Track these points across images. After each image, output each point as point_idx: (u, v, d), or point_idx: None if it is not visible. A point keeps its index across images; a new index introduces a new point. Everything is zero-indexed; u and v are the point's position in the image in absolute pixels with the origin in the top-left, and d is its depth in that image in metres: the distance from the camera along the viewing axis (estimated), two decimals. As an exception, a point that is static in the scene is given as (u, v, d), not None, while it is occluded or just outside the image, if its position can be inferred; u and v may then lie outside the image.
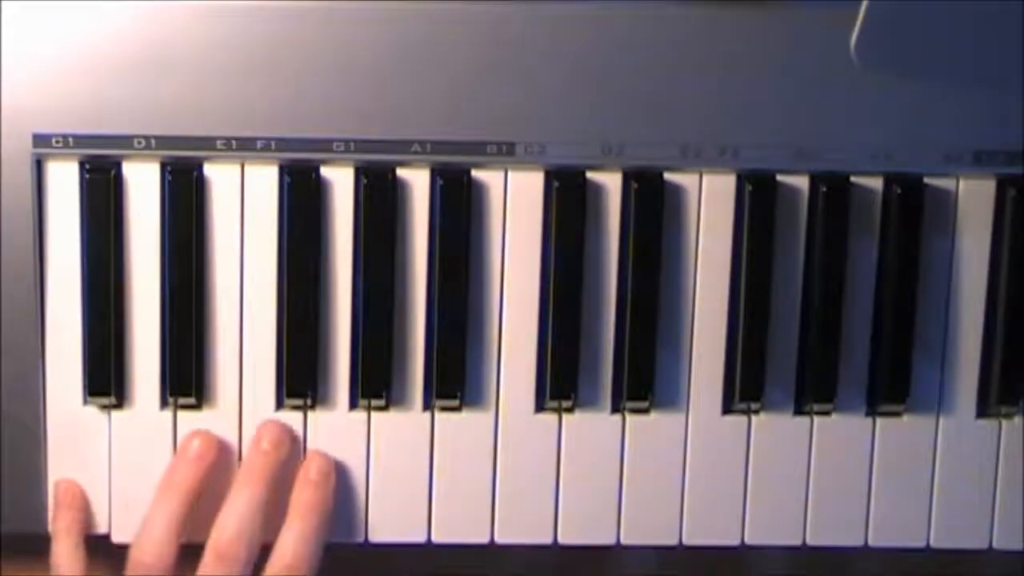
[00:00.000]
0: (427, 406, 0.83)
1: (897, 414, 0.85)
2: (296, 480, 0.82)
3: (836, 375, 0.84)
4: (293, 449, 0.83)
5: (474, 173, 0.82)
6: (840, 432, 0.85)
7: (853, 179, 0.82)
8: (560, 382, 0.83)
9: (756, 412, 0.84)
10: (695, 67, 0.80)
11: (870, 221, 0.83)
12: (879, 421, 0.85)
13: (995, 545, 0.86)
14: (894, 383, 0.84)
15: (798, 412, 0.85)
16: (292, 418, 0.83)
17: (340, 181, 0.81)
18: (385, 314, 0.82)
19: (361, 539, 0.84)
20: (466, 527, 0.84)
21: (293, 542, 0.81)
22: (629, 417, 0.84)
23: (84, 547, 0.82)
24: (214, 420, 0.82)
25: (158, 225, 0.81)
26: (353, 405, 0.83)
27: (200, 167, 0.81)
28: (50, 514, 0.82)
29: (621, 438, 0.84)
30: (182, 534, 0.80)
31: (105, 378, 0.81)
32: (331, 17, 0.79)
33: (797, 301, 0.83)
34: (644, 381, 0.83)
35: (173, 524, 0.80)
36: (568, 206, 0.82)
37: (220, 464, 0.82)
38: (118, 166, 0.80)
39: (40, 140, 0.79)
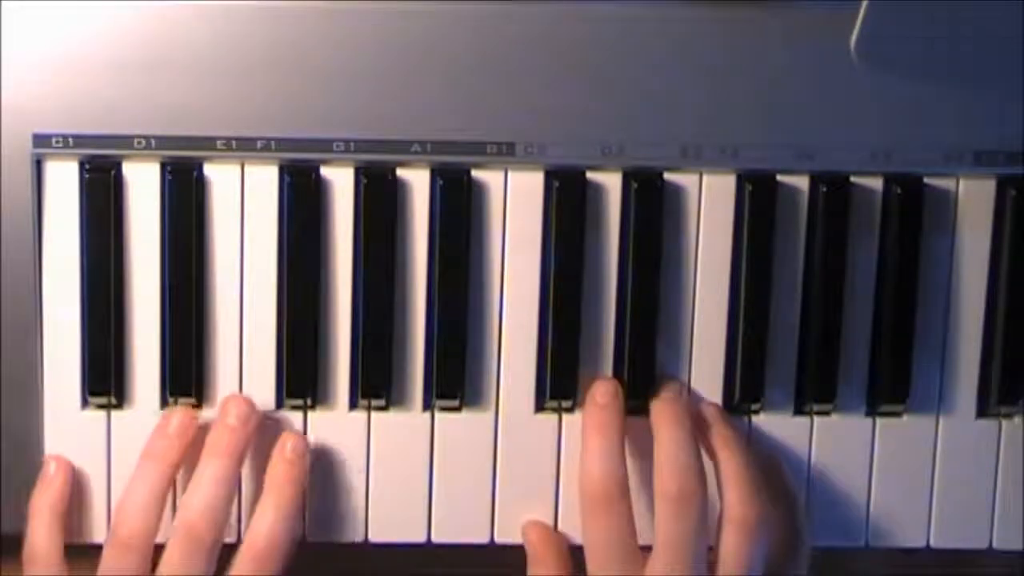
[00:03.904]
0: (427, 406, 0.83)
1: (897, 414, 0.85)
2: (271, 457, 0.82)
3: (836, 375, 0.84)
4: (260, 425, 0.82)
5: (474, 173, 0.82)
6: (840, 432, 0.85)
7: (853, 179, 0.82)
8: (560, 382, 0.83)
9: (756, 412, 0.84)
10: (695, 67, 0.81)
11: (870, 221, 0.83)
12: (879, 421, 0.85)
13: (995, 545, 0.86)
14: (894, 383, 0.84)
15: (798, 412, 0.85)
16: (292, 418, 0.83)
17: (340, 181, 0.81)
18: (385, 314, 0.82)
19: (361, 539, 0.84)
20: (466, 527, 0.84)
21: (268, 519, 0.80)
22: (629, 417, 0.84)
23: (62, 531, 0.81)
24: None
25: (158, 225, 0.81)
26: (353, 405, 0.83)
27: (200, 167, 0.81)
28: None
29: (621, 438, 0.83)
30: (163, 507, 0.80)
31: (105, 378, 0.81)
32: (331, 17, 0.79)
33: (797, 301, 0.83)
34: (644, 381, 0.83)
35: (154, 495, 0.79)
36: (568, 206, 0.82)
37: (200, 438, 0.81)
38: (118, 166, 0.80)
39: (40, 140, 0.79)
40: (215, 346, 0.82)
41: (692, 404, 0.83)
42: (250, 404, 0.82)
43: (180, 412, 0.82)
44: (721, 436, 0.82)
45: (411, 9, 0.79)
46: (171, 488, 0.81)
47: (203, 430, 0.82)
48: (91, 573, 0.80)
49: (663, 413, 0.82)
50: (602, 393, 0.82)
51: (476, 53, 0.80)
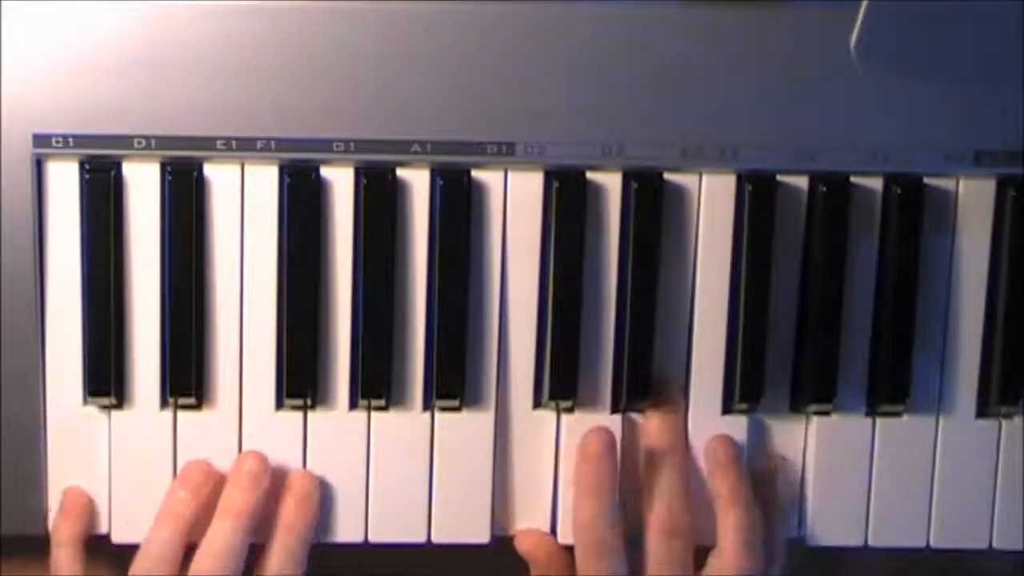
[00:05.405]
0: (427, 406, 0.83)
1: (897, 414, 0.85)
2: (281, 499, 0.82)
3: (836, 375, 0.84)
4: (274, 479, 0.82)
5: (474, 173, 0.82)
6: (840, 432, 0.85)
7: (853, 179, 0.82)
8: (560, 382, 0.83)
9: (755, 412, 0.84)
10: (695, 67, 0.81)
11: (870, 221, 0.83)
12: (879, 421, 0.85)
13: (995, 545, 0.86)
14: (894, 383, 0.84)
15: (798, 412, 0.85)
16: (292, 418, 0.83)
17: (340, 181, 0.81)
18: (385, 314, 0.82)
19: (361, 539, 0.84)
20: (466, 527, 0.84)
21: (277, 563, 0.81)
22: (628, 415, 0.84)
23: (84, 560, 0.82)
24: (214, 420, 0.82)
25: (158, 225, 0.81)
26: (353, 405, 0.83)
27: (200, 167, 0.81)
28: (51, 519, 0.82)
29: (621, 438, 0.83)
30: (178, 565, 0.80)
31: (105, 378, 0.81)
32: (331, 17, 0.79)
33: (796, 301, 0.83)
34: (643, 381, 0.83)
35: (168, 554, 0.80)
36: (568, 206, 0.82)
37: (217, 491, 0.82)
38: (118, 166, 0.80)
39: (40, 140, 0.79)
40: (215, 346, 0.82)
41: (697, 432, 0.84)
42: (262, 461, 0.82)
43: (196, 470, 0.82)
44: (728, 484, 0.82)
45: (411, 9, 0.79)
46: (185, 546, 0.81)
47: (220, 483, 0.82)
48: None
49: (658, 435, 0.82)
50: (594, 445, 0.81)
51: (476, 53, 0.80)
